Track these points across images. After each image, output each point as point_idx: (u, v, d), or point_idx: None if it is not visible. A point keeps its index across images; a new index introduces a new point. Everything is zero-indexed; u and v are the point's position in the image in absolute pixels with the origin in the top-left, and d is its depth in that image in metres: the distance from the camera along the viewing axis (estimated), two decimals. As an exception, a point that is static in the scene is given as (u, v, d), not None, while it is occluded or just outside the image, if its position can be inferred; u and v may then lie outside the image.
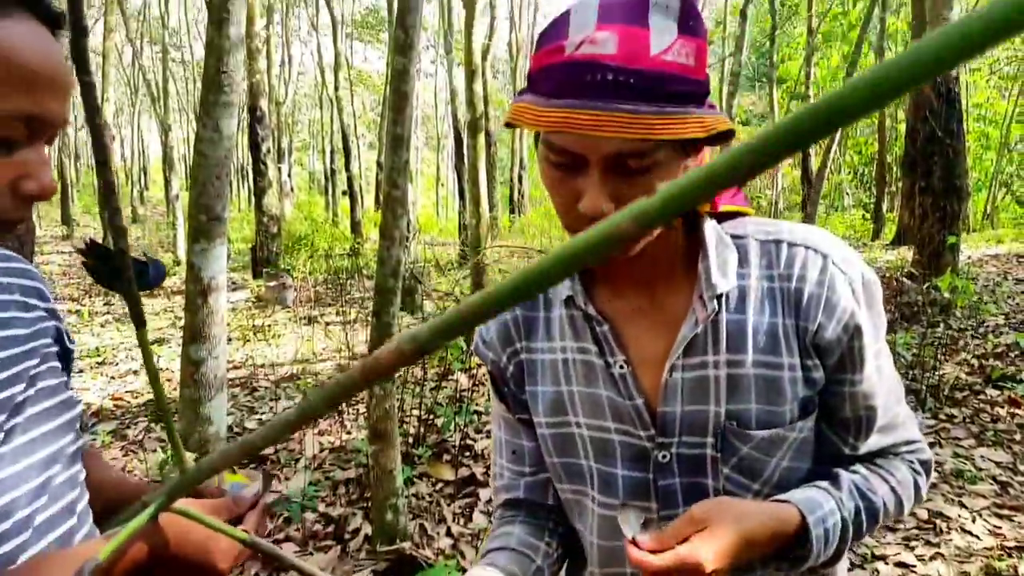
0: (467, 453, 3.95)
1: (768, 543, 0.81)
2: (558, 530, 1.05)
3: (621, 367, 0.91)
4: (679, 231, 0.91)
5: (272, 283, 8.45)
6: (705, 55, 0.79)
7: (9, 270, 0.88)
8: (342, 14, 16.74)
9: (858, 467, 0.91)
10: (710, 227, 0.90)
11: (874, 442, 0.92)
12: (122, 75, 21.23)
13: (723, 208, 0.95)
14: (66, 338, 0.91)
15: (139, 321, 0.60)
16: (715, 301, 0.86)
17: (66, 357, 0.91)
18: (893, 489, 0.90)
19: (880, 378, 0.89)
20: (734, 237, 0.91)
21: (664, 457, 0.90)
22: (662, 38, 0.74)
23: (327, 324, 6.95)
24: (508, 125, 0.85)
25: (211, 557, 0.80)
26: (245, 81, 8.93)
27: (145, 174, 27.47)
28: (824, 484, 0.88)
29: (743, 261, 0.89)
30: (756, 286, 0.88)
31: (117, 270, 0.59)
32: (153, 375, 0.59)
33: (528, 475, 1.05)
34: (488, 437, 4.14)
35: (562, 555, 1.04)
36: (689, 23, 0.76)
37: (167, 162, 13.26)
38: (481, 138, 5.83)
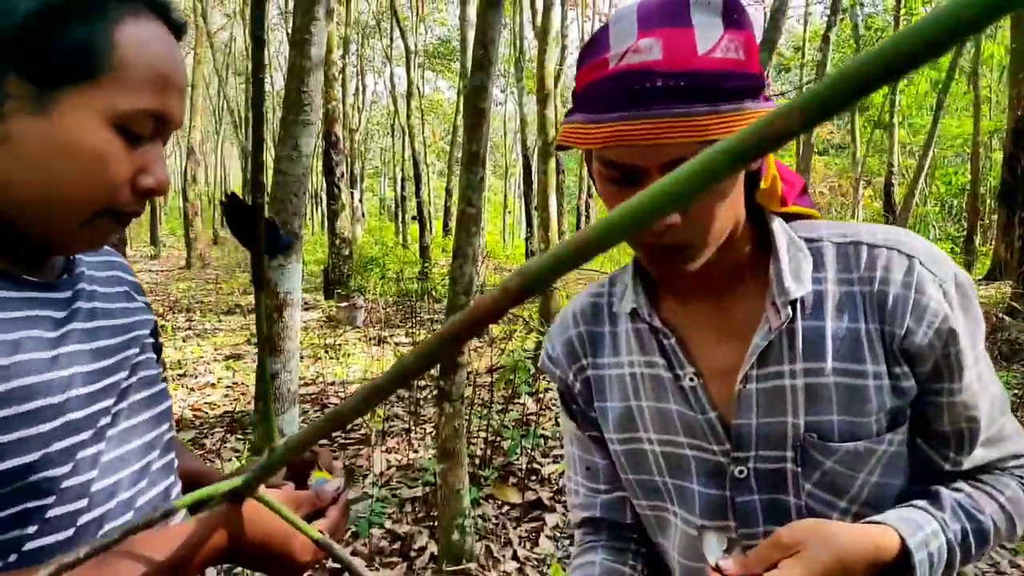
0: (533, 477, 3.90)
1: (865, 570, 0.74)
2: (641, 551, 1.01)
3: (691, 380, 0.87)
4: (746, 234, 0.87)
5: (343, 304, 8.61)
6: (755, 46, 0.75)
7: (114, 264, 0.91)
8: (415, 44, 17.17)
9: (961, 484, 0.84)
10: (780, 228, 0.86)
11: (979, 456, 0.84)
12: (208, 104, 22.23)
13: (791, 208, 0.90)
14: (157, 333, 0.93)
15: (259, 283, 0.60)
16: (789, 307, 0.81)
17: (157, 351, 0.93)
18: (1003, 507, 0.83)
19: (982, 387, 0.82)
20: (807, 240, 0.86)
21: (741, 472, 0.86)
22: (708, 35, 0.72)
23: (396, 344, 7.02)
24: (560, 148, 0.84)
25: (292, 549, 0.79)
26: (322, 107, 9.21)
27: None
28: (923, 503, 0.81)
29: (818, 265, 0.84)
30: (834, 291, 0.83)
31: (251, 227, 0.60)
32: (262, 340, 0.59)
33: (604, 492, 1.01)
34: (555, 462, 4.08)
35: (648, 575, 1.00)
36: (734, 16, 0.74)
37: (247, 186, 13.75)
38: (552, 163, 5.84)
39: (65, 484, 0.69)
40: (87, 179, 0.69)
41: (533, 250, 10.55)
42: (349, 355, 6.61)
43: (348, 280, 9.96)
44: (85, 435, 0.72)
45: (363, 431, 4.59)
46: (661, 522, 0.95)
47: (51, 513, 0.68)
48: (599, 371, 0.96)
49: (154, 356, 0.90)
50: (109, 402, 0.75)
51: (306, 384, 5.68)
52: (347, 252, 10.10)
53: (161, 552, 0.68)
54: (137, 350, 0.83)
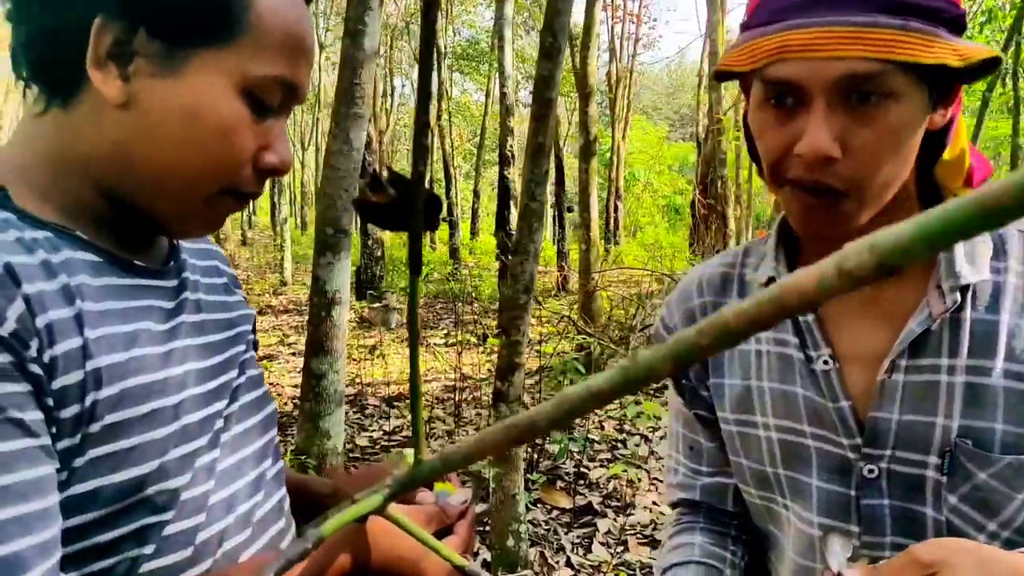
0: (581, 481, 3.80)
1: None
2: (742, 537, 0.93)
3: (825, 362, 0.78)
4: (913, 206, 0.76)
5: (376, 305, 8.56)
6: None
7: (212, 253, 0.83)
8: (444, 46, 17.17)
9: None
10: None
11: None
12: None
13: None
14: (255, 329, 0.85)
15: (416, 266, 0.50)
16: (957, 294, 0.71)
17: (255, 349, 0.85)
18: None
19: None
20: None
21: (871, 472, 0.76)
22: None
23: (430, 345, 6.96)
24: (719, 76, 0.74)
25: (423, 571, 0.70)
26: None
27: (253, 200, 28.82)
28: None
29: (999, 253, 0.73)
30: (1017, 283, 0.72)
31: (403, 203, 0.50)
32: (414, 335, 0.49)
33: (706, 475, 0.94)
34: (602, 466, 3.98)
35: (749, 564, 0.91)
36: None
37: (275, 186, 13.80)
38: (594, 162, 5.74)
39: (184, 496, 0.61)
40: (213, 150, 0.62)
41: (564, 250, 10.45)
42: (385, 356, 6.55)
43: (380, 281, 9.92)
44: (201, 441, 0.64)
45: (405, 433, 4.51)
46: (773, 514, 0.86)
47: (170, 529, 0.60)
48: None
49: (255, 354, 0.82)
50: (222, 404, 0.68)
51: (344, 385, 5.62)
52: (379, 253, 10.07)
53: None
54: (243, 347, 0.76)
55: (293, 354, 6.66)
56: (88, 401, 0.55)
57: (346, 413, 4.84)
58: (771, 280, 0.82)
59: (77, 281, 0.58)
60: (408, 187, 0.52)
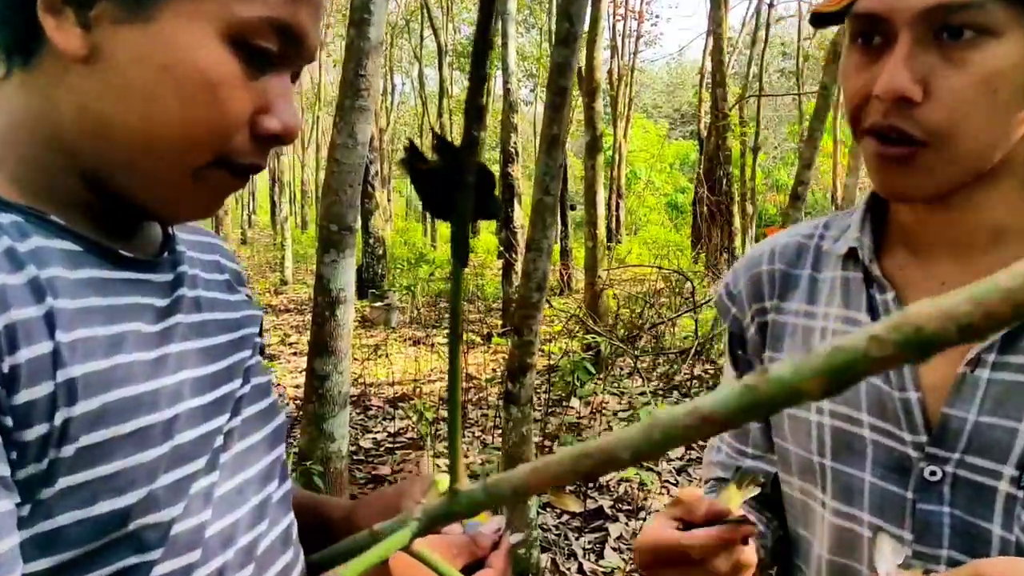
0: (591, 485, 3.71)
1: None
2: (773, 523, 0.85)
3: None
4: None
5: (378, 304, 8.47)
6: None
7: (214, 246, 0.73)
8: (445, 43, 17.07)
9: None
10: None
11: None
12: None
13: None
14: (262, 331, 0.75)
15: (462, 256, 0.41)
16: None
17: (261, 353, 0.75)
18: None
19: None
20: None
21: (933, 474, 0.67)
22: None
23: (432, 345, 6.87)
24: (815, 21, 0.68)
25: None
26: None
27: (253, 199, 28.73)
28: None
29: None
30: None
31: (450, 176, 0.40)
32: (456, 331, 0.41)
33: (749, 457, 0.87)
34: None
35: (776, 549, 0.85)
36: None
37: (277, 184, 13.71)
38: (600, 158, 5.65)
39: (176, 530, 0.52)
40: (196, 111, 0.52)
41: (568, 248, 10.36)
42: (388, 355, 6.46)
43: (382, 280, 9.83)
44: (198, 463, 0.54)
45: (410, 435, 4.42)
46: (807, 510, 0.78)
47: (158, 570, 0.51)
48: (782, 317, 0.81)
49: (262, 360, 0.72)
50: (223, 419, 0.58)
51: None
52: (380, 252, 9.97)
53: None
54: (248, 352, 0.66)
55: (294, 354, 6.57)
56: (59, 419, 0.46)
57: (350, 415, 4.76)
58: (852, 252, 0.75)
59: (49, 274, 0.48)
60: (457, 156, 0.43)
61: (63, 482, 0.46)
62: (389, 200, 19.36)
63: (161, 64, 0.50)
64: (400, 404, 5.03)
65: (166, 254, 0.61)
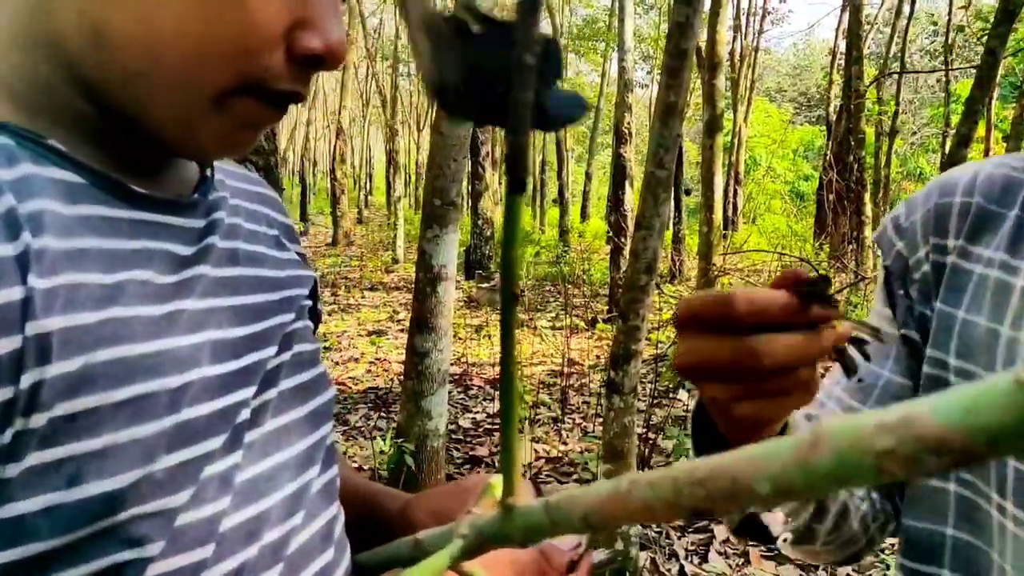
0: (696, 481, 3.52)
1: None
2: (876, 503, 0.73)
3: None
4: None
5: (484, 285, 8.48)
6: None
7: (264, 197, 0.62)
8: (561, 25, 16.88)
9: None
10: None
11: None
12: (356, 88, 22.99)
13: None
14: (317, 295, 0.64)
15: (518, 182, 0.25)
16: None
17: (315, 320, 0.64)
18: None
19: None
20: None
21: None
22: None
23: (537, 328, 6.78)
24: None
25: None
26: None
27: (370, 179, 29.65)
28: None
29: None
30: None
31: (499, 55, 0.26)
32: (510, 272, 0.27)
33: None
34: (719, 466, 3.68)
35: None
36: None
37: (392, 165, 14.01)
38: (719, 138, 5.35)
39: (181, 521, 0.42)
40: (219, 18, 0.41)
41: (681, 235, 10.01)
42: (491, 336, 6.43)
43: (489, 262, 9.84)
44: (213, 443, 0.44)
45: (509, 417, 4.35)
46: (975, 513, 0.63)
47: (156, 570, 0.41)
48: (968, 263, 0.67)
49: (311, 326, 0.62)
50: (249, 391, 0.48)
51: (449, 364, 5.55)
52: (489, 233, 9.98)
53: None
54: (292, 316, 0.55)
55: (401, 330, 6.65)
56: (26, 382, 0.36)
57: (450, 393, 4.75)
58: None
59: (34, 206, 0.39)
60: (506, 33, 0.29)
61: (32, 459, 0.37)
62: (500, 183, 19.46)
63: None
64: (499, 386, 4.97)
65: (198, 196, 0.51)
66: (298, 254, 0.63)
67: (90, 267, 0.40)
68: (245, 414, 0.47)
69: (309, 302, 0.61)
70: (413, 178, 24.51)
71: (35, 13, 0.42)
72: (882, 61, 11.38)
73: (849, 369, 0.46)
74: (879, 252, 0.76)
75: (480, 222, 9.92)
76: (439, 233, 3.03)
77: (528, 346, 6.08)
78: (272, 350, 0.51)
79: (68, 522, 0.37)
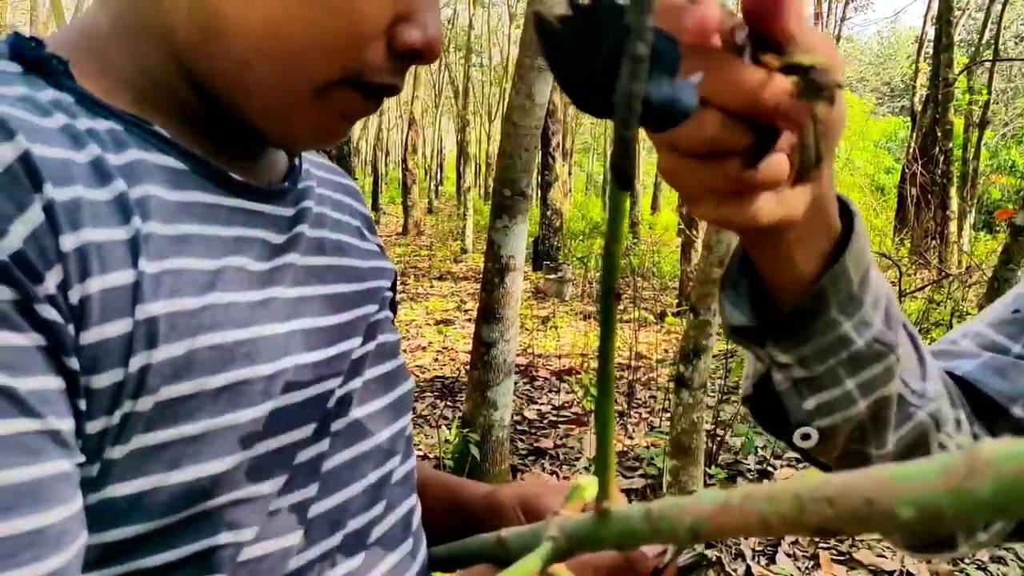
0: (765, 481, 3.43)
1: None
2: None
3: None
4: None
5: (552, 276, 8.47)
6: None
7: (348, 187, 0.63)
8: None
9: None
10: None
11: None
12: (429, 78, 23.20)
13: None
14: (395, 287, 0.65)
15: (624, 178, 0.24)
16: None
17: (392, 311, 0.65)
18: None
19: None
20: None
21: None
22: None
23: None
24: None
25: None
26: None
27: (441, 170, 29.97)
28: None
29: None
30: None
31: (598, 45, 0.25)
32: (611, 273, 0.26)
33: (1013, 355, 0.57)
34: (789, 465, 3.58)
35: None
36: None
37: (463, 155, 14.11)
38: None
39: (273, 507, 0.43)
40: (327, 13, 0.42)
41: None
42: (557, 328, 6.42)
43: (557, 253, 9.82)
44: (305, 430, 0.45)
45: (575, 409, 4.34)
46: None
47: (249, 554, 0.42)
48: None
49: (392, 317, 0.63)
50: (336, 381, 0.49)
51: (515, 355, 5.57)
52: (558, 224, 9.96)
53: None
54: (376, 307, 0.56)
55: (468, 320, 6.70)
56: (135, 365, 0.38)
57: (515, 384, 4.76)
58: None
59: (142, 192, 0.40)
60: (610, 14, 0.28)
61: (137, 441, 0.38)
62: (570, 174, 19.36)
63: None
64: (566, 377, 4.96)
65: (290, 185, 0.52)
66: (377, 245, 0.64)
67: (192, 253, 0.42)
68: (332, 403, 0.48)
69: (390, 293, 0.62)
70: (483, 168, 24.63)
71: (146, 4, 0.44)
72: (973, 48, 10.80)
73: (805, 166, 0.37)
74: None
75: (549, 213, 9.90)
76: (508, 223, 3.03)
77: (594, 339, 6.05)
78: (358, 340, 0.52)
79: (166, 505, 0.39)
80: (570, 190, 19.39)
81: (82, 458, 0.36)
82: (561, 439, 3.88)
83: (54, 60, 0.41)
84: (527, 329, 6.34)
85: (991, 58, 9.68)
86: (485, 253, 3.19)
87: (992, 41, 9.88)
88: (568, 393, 4.65)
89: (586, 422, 4.08)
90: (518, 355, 5.57)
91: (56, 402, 0.35)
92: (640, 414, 4.27)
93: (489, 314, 3.10)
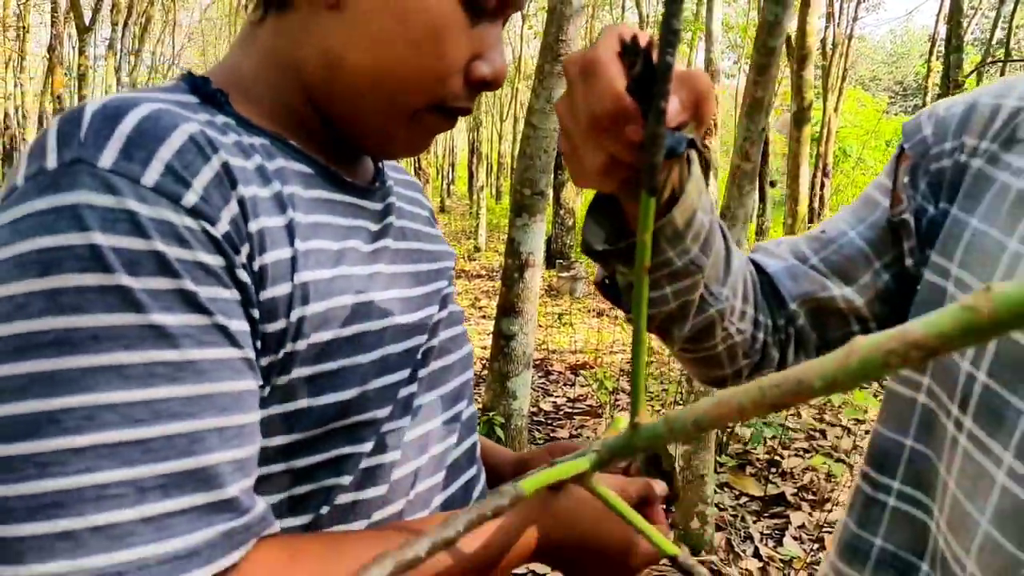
0: (774, 470, 3.56)
1: None
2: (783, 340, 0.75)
3: None
4: None
5: (564, 273, 8.59)
6: None
7: (413, 184, 0.79)
8: (646, 15, 16.69)
9: None
10: None
11: None
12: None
13: None
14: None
15: (651, 180, 0.40)
16: None
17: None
18: None
19: None
20: None
21: None
22: None
23: (616, 318, 6.85)
24: None
25: (632, 552, 0.61)
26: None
27: (452, 169, 30.10)
28: None
29: None
30: None
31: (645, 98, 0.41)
32: (642, 256, 0.40)
33: (809, 266, 0.74)
34: (797, 455, 3.70)
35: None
36: None
37: (475, 155, 14.22)
38: (806, 130, 5.30)
39: (383, 429, 0.57)
40: (424, 55, 0.56)
41: (765, 228, 9.86)
42: (570, 324, 6.55)
43: (570, 251, 9.94)
44: (402, 374, 0.59)
45: (589, 402, 4.47)
46: (932, 420, 0.63)
47: (367, 462, 0.56)
48: (994, 169, 0.64)
49: (455, 291, 0.77)
50: (422, 338, 0.63)
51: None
52: (570, 223, 10.08)
53: (467, 546, 0.53)
54: (446, 282, 0.71)
55: (483, 317, 6.84)
56: (294, 316, 0.51)
57: (532, 377, 4.91)
58: None
59: (289, 190, 0.54)
60: (650, 77, 0.42)
61: (295, 373, 0.52)
62: (581, 173, 19.39)
63: (399, 11, 0.55)
64: (581, 371, 5.09)
65: (377, 184, 0.67)
66: (439, 234, 0.79)
67: (324, 236, 0.56)
68: (419, 355, 0.62)
69: (452, 273, 0.76)
70: (495, 168, 24.76)
71: (285, 51, 0.58)
72: (985, 48, 10.84)
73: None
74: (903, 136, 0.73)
75: (562, 212, 10.02)
76: (527, 221, 3.18)
77: (608, 335, 6.17)
78: (435, 308, 0.66)
79: (315, 421, 0.53)
80: (581, 190, 19.49)
81: (261, 382, 0.51)
82: (576, 430, 4.02)
83: (219, 93, 0.56)
84: (541, 326, 6.48)
85: (1003, 58, 9.73)
86: (505, 250, 3.33)
87: (1004, 40, 9.93)
88: (583, 387, 4.78)
89: (600, 413, 4.22)
90: (533, 350, 5.71)
91: (249, 340, 0.49)
92: (653, 406, 4.40)
93: (509, 308, 3.24)
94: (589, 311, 7.45)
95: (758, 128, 2.13)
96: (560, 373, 5.13)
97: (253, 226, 0.49)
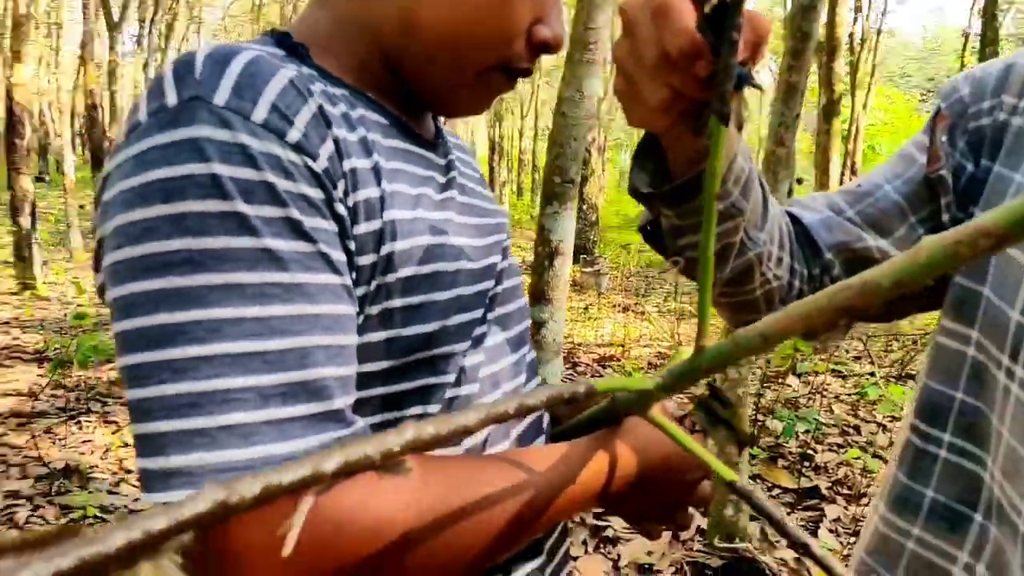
0: (806, 464, 3.52)
1: None
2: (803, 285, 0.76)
3: None
4: None
5: (588, 268, 8.58)
6: None
7: (464, 148, 0.82)
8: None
9: None
10: None
11: None
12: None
13: None
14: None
15: (722, 109, 0.40)
16: None
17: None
18: None
19: None
20: None
21: None
22: None
23: (642, 313, 6.83)
24: None
25: (692, 482, 0.65)
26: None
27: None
28: None
29: None
30: None
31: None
32: (716, 160, 0.40)
33: (845, 217, 0.77)
34: (830, 450, 3.66)
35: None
36: None
37: (495, 151, 14.25)
38: (836, 123, 5.24)
39: (464, 363, 0.59)
40: (490, 18, 0.59)
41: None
42: (596, 319, 6.54)
43: (594, 247, 9.93)
44: (476, 314, 0.61)
45: (616, 394, 4.46)
46: (982, 371, 0.64)
47: (451, 393, 0.58)
48: None
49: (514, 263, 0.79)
50: (489, 283, 0.65)
51: (556, 342, 5.69)
52: (594, 218, 10.07)
53: (545, 470, 0.55)
54: (503, 236, 0.73)
55: (508, 310, 6.85)
56: (384, 251, 0.53)
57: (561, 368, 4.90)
58: None
59: (372, 137, 0.57)
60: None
61: (385, 304, 0.54)
62: (604, 170, 19.43)
63: None
64: (608, 364, 5.08)
65: (440, 141, 0.69)
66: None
67: (403, 181, 0.58)
68: (487, 299, 0.64)
69: (507, 243, 0.78)
70: (516, 164, 24.76)
71: (361, 12, 0.61)
72: (1021, 43, 10.64)
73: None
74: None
75: (585, 207, 10.01)
76: (558, 209, 3.16)
77: (635, 329, 6.15)
78: (498, 258, 0.68)
79: (400, 351, 0.55)
80: (603, 186, 19.46)
81: (357, 308, 0.52)
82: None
83: (300, 47, 0.58)
84: (568, 319, 6.47)
85: (1037, 51, 9.52)
86: (536, 238, 3.32)
87: (1038, 34, 9.72)
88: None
89: (628, 406, 4.20)
90: (563, 339, 5.70)
91: (346, 269, 0.51)
92: (682, 399, 4.38)
93: (540, 296, 3.23)
94: (614, 306, 7.43)
95: (792, 113, 2.10)
96: (587, 365, 5.12)
97: (347, 165, 0.52)
